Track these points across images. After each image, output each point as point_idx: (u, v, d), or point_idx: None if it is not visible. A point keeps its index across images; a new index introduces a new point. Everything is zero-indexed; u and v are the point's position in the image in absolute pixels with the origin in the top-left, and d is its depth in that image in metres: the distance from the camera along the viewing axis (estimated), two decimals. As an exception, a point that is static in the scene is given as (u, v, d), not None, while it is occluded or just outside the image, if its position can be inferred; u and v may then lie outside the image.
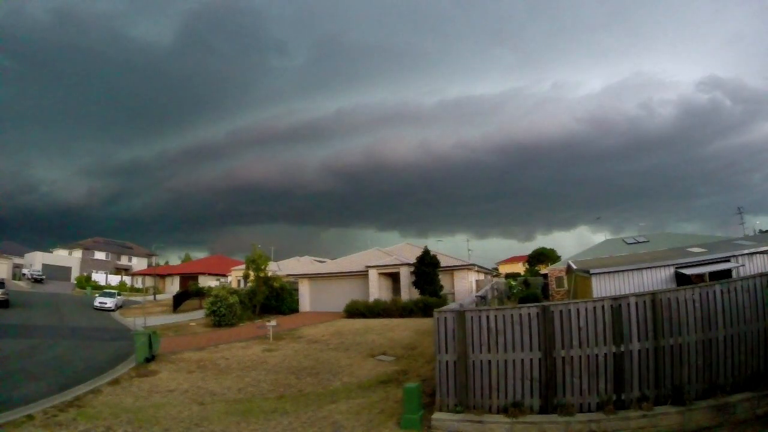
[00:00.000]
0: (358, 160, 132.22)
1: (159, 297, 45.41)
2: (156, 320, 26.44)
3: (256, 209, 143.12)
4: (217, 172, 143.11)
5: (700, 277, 15.55)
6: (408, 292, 27.64)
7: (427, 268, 26.27)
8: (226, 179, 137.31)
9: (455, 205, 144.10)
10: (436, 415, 7.89)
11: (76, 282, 55.85)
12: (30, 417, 8.98)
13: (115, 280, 57.35)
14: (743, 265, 15.22)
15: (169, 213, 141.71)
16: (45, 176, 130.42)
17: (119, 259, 70.50)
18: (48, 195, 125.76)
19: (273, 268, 33.37)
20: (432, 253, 27.23)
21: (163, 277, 59.69)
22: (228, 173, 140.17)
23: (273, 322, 20.18)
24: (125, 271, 67.02)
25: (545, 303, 9.32)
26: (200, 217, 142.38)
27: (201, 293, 35.47)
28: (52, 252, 64.37)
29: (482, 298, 21.42)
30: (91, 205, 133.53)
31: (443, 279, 27.08)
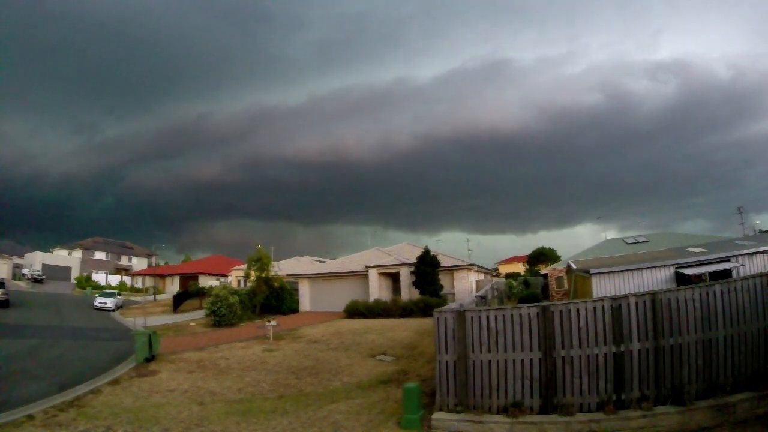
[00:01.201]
0: (334, 153, 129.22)
1: (159, 297, 45.40)
2: (156, 320, 26.43)
3: (223, 204, 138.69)
4: (182, 163, 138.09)
5: (699, 277, 15.55)
6: (408, 292, 27.63)
7: (427, 268, 26.27)
8: (191, 172, 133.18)
9: (445, 200, 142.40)
10: (436, 415, 7.89)
11: (76, 282, 55.84)
12: (30, 417, 8.99)
13: (115, 280, 57.35)
14: (743, 265, 15.22)
15: (132, 208, 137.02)
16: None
17: (119, 259, 70.51)
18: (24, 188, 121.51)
19: (273, 268, 33.36)
20: (432, 253, 27.24)
21: (163, 277, 59.70)
22: (192, 166, 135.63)
23: (273, 322, 20.17)
24: (125, 271, 67.02)
25: (545, 303, 9.31)
26: (164, 213, 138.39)
27: (201, 293, 35.46)
28: (52, 252, 64.38)
29: (482, 298, 21.39)
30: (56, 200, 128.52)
31: (443, 279, 27.08)
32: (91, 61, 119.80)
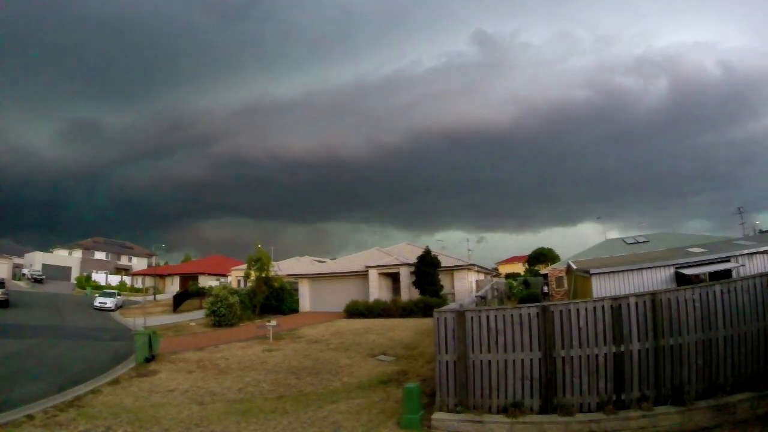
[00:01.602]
0: (320, 149, 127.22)
1: (159, 297, 45.39)
2: (156, 320, 26.43)
3: (213, 203, 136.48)
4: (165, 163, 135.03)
5: (699, 278, 15.55)
6: (408, 292, 27.63)
7: (427, 268, 26.26)
8: (181, 170, 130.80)
9: (445, 198, 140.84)
10: (436, 415, 7.89)
11: (76, 282, 55.85)
12: (30, 417, 8.98)
13: (115, 280, 57.33)
14: (743, 265, 15.22)
15: (120, 206, 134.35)
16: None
17: (119, 259, 70.50)
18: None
19: (273, 268, 33.35)
20: (432, 253, 27.26)
21: (163, 277, 59.70)
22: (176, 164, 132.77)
23: (273, 322, 20.16)
24: (125, 271, 67.01)
25: (545, 303, 9.31)
26: (151, 210, 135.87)
27: (201, 293, 35.47)
28: (52, 252, 64.39)
29: (482, 298, 21.41)
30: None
31: (443, 279, 27.08)
32: (89, 58, 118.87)
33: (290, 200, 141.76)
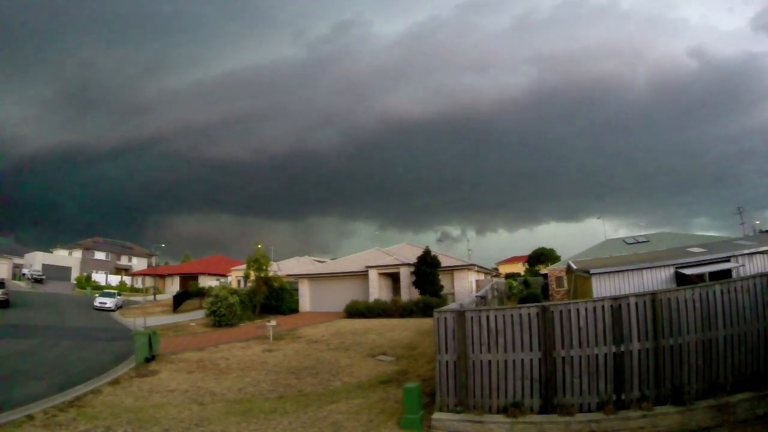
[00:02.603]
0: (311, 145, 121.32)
1: (159, 297, 45.39)
2: (156, 320, 26.43)
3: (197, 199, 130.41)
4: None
5: (700, 277, 15.55)
6: (408, 292, 27.64)
7: (427, 268, 26.28)
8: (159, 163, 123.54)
9: (443, 195, 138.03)
10: (436, 415, 7.89)
11: (76, 282, 55.86)
12: (30, 417, 8.99)
13: (115, 280, 57.38)
14: (743, 265, 15.22)
15: (92, 201, 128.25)
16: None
17: (119, 259, 70.53)
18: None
19: (273, 268, 33.38)
20: (432, 253, 27.27)
21: (163, 277, 59.69)
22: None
23: (273, 322, 20.17)
24: (125, 271, 67.04)
25: (545, 303, 9.31)
26: (128, 206, 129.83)
27: (201, 293, 35.47)
28: (52, 252, 64.43)
29: (482, 298, 21.40)
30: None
31: (443, 279, 27.09)
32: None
33: (274, 195, 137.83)
